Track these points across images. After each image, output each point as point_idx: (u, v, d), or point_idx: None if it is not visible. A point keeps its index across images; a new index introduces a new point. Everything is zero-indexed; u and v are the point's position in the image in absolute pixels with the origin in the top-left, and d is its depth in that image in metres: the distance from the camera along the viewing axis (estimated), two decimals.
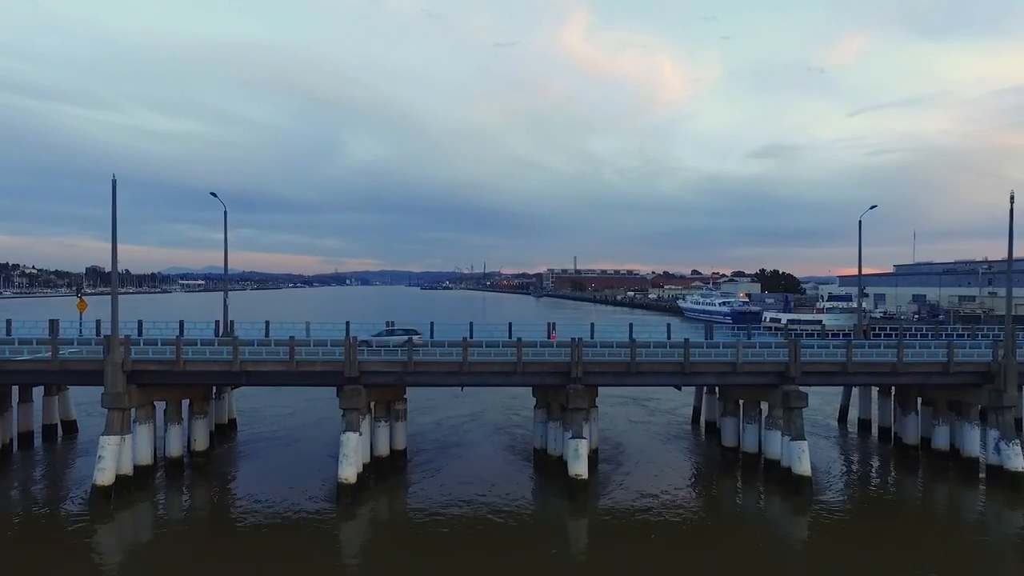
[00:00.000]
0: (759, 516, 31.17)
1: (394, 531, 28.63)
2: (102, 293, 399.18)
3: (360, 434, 31.98)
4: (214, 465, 37.04)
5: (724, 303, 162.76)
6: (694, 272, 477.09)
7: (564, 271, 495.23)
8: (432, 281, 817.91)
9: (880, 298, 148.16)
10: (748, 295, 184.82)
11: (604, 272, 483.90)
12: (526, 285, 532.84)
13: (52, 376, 32.50)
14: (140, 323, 43.96)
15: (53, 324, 43.65)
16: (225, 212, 44.66)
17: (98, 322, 44.35)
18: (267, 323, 44.01)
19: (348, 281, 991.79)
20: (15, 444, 39.32)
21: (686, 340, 35.22)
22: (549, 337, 44.39)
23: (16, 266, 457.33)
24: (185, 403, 36.50)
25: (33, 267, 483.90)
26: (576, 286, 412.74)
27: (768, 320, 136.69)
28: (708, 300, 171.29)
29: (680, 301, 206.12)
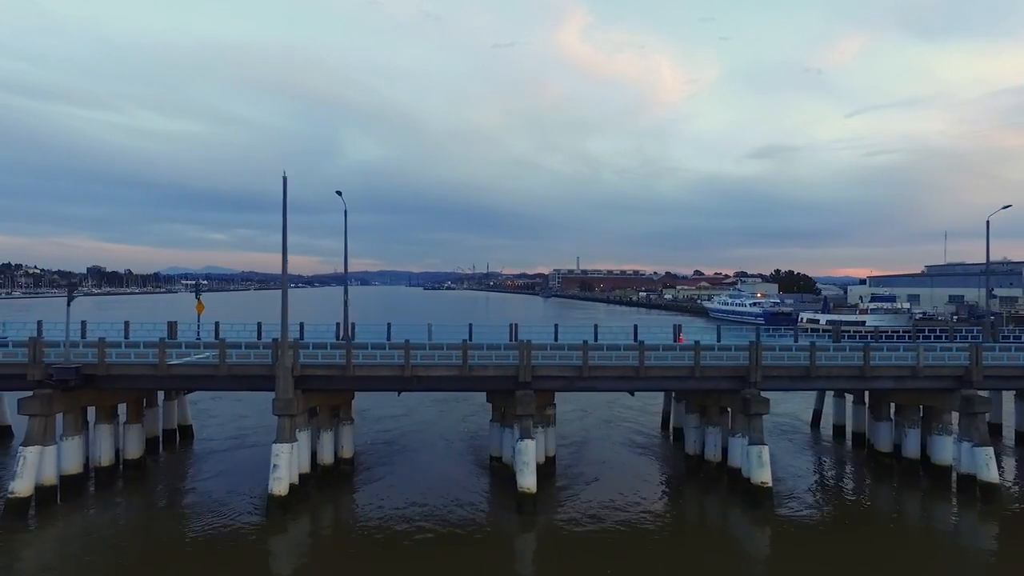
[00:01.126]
0: (948, 526, 30.36)
1: (580, 543, 27.56)
2: (109, 293, 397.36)
3: (535, 441, 31.08)
4: (361, 472, 36.02)
5: (755, 304, 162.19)
6: (696, 273, 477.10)
7: (571, 272, 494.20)
8: (432, 281, 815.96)
9: (914, 299, 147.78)
10: (776, 297, 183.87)
11: (611, 272, 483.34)
12: (531, 285, 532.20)
13: (218, 381, 31.40)
14: (259, 325, 42.99)
15: (172, 326, 42.70)
16: (345, 212, 43.57)
17: (216, 324, 43.26)
18: (389, 325, 43.00)
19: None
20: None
21: (867, 343, 34.48)
22: (676, 340, 43.55)
23: (19, 266, 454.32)
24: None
25: (35, 267, 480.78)
26: (585, 286, 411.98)
27: (805, 321, 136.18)
28: (738, 301, 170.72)
29: (706, 302, 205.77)
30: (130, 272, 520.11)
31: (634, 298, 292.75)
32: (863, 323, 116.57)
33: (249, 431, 44.45)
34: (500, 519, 29.54)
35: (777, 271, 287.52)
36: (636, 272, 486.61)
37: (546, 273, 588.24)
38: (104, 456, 33.93)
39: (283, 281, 31.41)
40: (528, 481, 29.80)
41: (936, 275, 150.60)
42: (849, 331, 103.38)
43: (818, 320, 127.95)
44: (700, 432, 36.21)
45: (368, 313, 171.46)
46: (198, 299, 45.47)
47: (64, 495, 31.00)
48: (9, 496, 28.68)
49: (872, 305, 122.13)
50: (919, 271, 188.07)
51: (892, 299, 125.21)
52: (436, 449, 40.93)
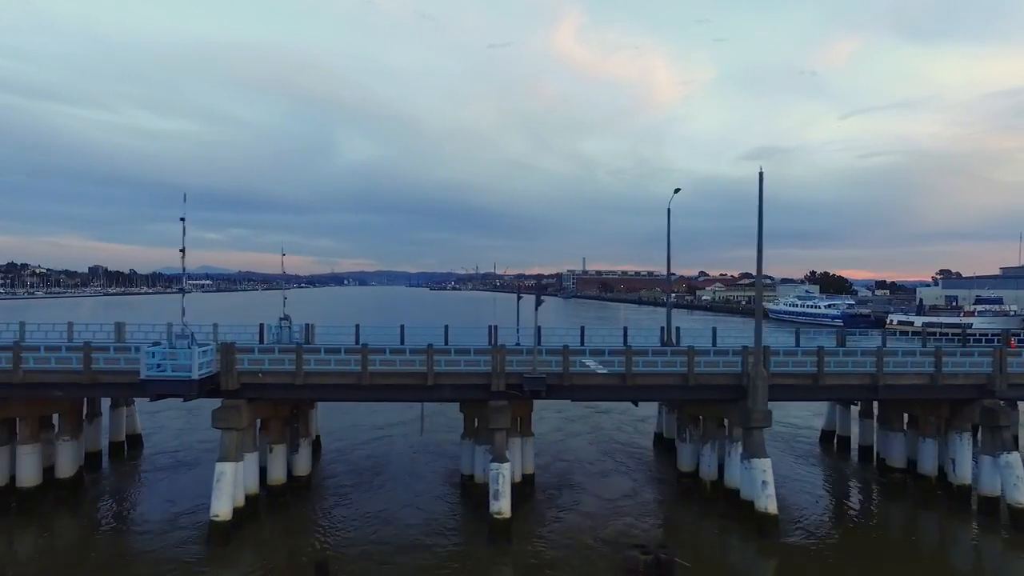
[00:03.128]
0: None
1: None
2: (122, 293, 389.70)
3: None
4: None
5: (830, 305, 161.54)
6: (701, 273, 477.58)
7: (584, 272, 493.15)
8: (431, 281, 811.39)
9: (996, 301, 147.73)
10: (850, 299, 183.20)
11: (625, 273, 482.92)
12: (544, 286, 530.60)
13: (681, 391, 29.37)
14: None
15: (494, 329, 40.75)
16: (669, 211, 41.66)
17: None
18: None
19: (346, 281, 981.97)
20: None
21: None
22: (1008, 345, 42.16)
23: (25, 265, 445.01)
24: None
25: (39, 266, 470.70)
26: (605, 287, 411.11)
27: (896, 323, 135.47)
28: (810, 302, 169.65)
29: (769, 303, 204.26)
30: (134, 272, 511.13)
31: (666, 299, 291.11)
32: (969, 325, 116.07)
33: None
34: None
35: (812, 272, 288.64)
36: (650, 273, 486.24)
37: (545, 274, 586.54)
38: (476, 467, 32.13)
39: (757, 290, 29.52)
40: None
41: (1018, 276, 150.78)
42: (949, 333, 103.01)
43: (912, 323, 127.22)
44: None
45: (421, 314, 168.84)
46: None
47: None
48: (495, 517, 26.60)
49: (979, 307, 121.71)
50: (934, 273, 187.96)
51: (1000, 301, 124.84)
52: None
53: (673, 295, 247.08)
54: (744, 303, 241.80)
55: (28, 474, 29.91)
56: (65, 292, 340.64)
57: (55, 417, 31.52)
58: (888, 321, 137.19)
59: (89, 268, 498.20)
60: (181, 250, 27.59)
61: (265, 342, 39.18)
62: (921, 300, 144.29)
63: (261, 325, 40.24)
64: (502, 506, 26.71)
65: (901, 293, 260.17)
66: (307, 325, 40.50)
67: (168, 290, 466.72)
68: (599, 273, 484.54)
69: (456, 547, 26.30)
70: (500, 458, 27.42)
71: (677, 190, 40.54)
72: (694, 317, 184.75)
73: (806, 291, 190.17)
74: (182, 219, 27.45)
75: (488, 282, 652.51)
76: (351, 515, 29.42)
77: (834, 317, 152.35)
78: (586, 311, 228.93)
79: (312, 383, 27.84)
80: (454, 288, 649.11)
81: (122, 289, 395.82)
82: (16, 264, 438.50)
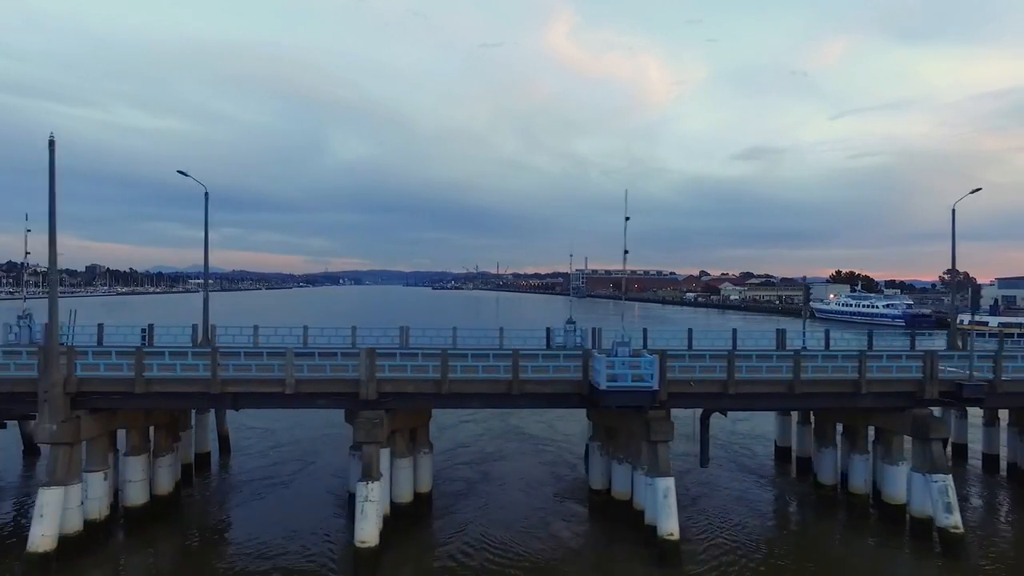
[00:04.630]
0: None
1: None
2: (133, 293, 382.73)
3: None
4: None
5: (889, 304, 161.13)
6: (703, 273, 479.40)
7: (595, 271, 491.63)
8: (426, 280, 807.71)
9: None
10: (908, 299, 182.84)
11: (635, 273, 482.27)
12: (551, 285, 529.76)
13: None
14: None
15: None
16: (955, 216, 40.11)
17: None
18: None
19: (341, 281, 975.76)
20: None
21: None
22: None
23: (26, 265, 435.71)
24: None
25: (39, 265, 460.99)
26: (618, 287, 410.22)
27: (967, 323, 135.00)
28: (866, 301, 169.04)
29: (816, 303, 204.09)
30: (135, 271, 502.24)
31: (696, 298, 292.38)
32: None
33: None
34: None
35: (838, 271, 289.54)
36: (659, 272, 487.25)
37: (542, 272, 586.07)
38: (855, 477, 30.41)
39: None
40: None
41: None
42: None
43: (986, 323, 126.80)
44: None
45: (413, 317, 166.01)
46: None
47: None
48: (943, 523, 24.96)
49: None
50: (941, 273, 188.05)
51: None
52: None
53: (693, 295, 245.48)
54: (777, 303, 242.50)
55: None
56: (76, 292, 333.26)
57: None
58: (959, 322, 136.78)
59: (87, 267, 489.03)
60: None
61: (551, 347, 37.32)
62: (996, 300, 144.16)
63: (548, 329, 38.25)
64: (953, 518, 25.06)
65: (910, 292, 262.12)
66: (593, 329, 38.48)
67: (173, 289, 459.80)
68: (608, 272, 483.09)
69: None
70: (943, 469, 25.76)
71: (977, 189, 39.10)
72: (727, 317, 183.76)
73: (859, 291, 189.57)
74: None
75: (488, 282, 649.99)
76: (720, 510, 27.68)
77: (894, 317, 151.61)
78: (629, 312, 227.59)
79: (742, 392, 26.00)
80: (456, 288, 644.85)
81: (130, 289, 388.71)
82: (16, 263, 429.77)
